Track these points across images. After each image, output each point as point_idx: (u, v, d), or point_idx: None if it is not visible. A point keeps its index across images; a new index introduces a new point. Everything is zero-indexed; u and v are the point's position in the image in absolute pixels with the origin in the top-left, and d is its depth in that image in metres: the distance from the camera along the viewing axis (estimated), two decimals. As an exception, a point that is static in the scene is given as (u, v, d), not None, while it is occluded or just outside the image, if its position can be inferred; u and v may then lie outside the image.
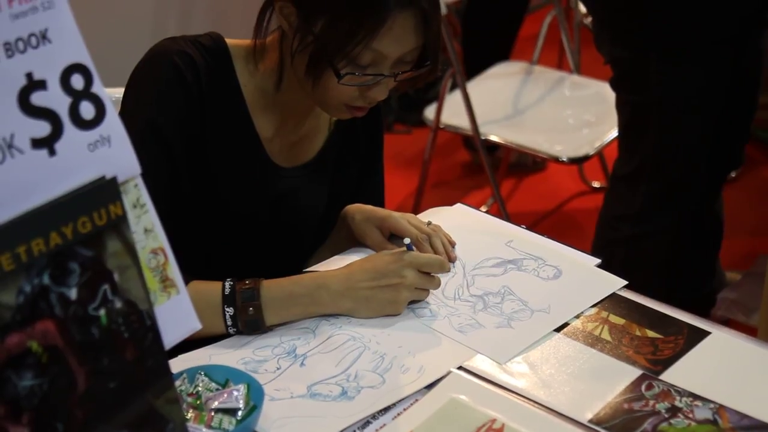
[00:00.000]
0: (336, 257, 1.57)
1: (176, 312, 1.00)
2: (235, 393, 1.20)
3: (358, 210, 1.59)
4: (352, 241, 1.60)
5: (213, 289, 1.37)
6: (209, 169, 1.49)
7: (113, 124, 0.93)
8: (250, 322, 1.37)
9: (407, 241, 1.44)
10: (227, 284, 1.38)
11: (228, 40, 1.51)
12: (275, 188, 1.55)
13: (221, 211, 1.52)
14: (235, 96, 1.50)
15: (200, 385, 1.22)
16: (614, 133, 2.88)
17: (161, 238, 0.98)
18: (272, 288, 1.38)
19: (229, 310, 1.36)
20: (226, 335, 1.38)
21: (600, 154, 3.23)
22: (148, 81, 1.45)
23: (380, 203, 1.71)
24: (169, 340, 0.98)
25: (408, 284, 1.39)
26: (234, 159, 1.51)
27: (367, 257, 1.44)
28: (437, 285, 1.44)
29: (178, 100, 1.43)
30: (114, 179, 0.91)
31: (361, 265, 1.41)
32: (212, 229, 1.53)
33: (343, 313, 1.41)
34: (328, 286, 1.39)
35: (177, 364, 1.21)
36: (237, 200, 1.52)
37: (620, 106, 2.33)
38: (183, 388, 1.21)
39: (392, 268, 1.39)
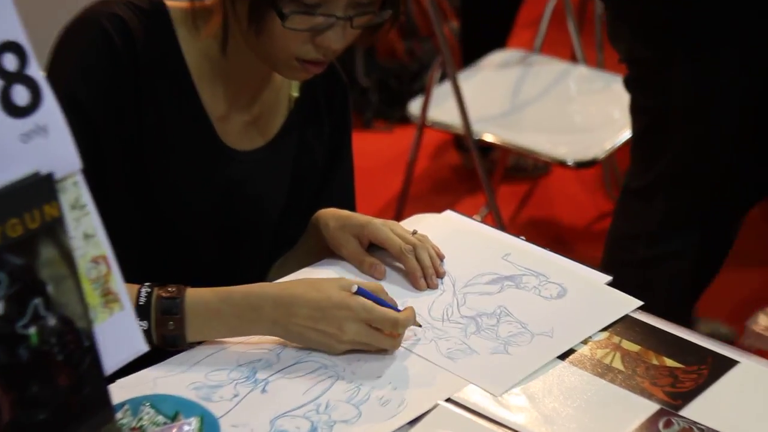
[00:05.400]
0: (305, 270, 1.57)
1: (119, 331, 1.00)
2: (186, 428, 1.20)
3: (332, 216, 1.59)
4: (324, 250, 1.60)
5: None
6: (147, 151, 1.48)
7: (51, 112, 0.93)
8: (169, 338, 1.36)
9: (354, 288, 1.38)
10: (143, 291, 1.36)
11: (169, 3, 1.51)
12: (227, 175, 1.55)
13: (162, 202, 1.51)
14: (178, 65, 1.50)
15: (145, 418, 1.21)
16: (628, 133, 2.91)
17: (104, 245, 0.98)
18: (197, 300, 1.37)
19: (143, 324, 1.35)
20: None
21: (611, 157, 3.25)
22: (70, 49, 1.45)
23: (349, 199, 1.72)
24: (111, 364, 0.98)
25: (345, 340, 1.36)
26: (177, 139, 1.50)
27: (317, 283, 1.40)
28: (392, 346, 1.39)
29: (105, 70, 1.43)
30: (50, 175, 0.91)
31: (306, 293, 1.37)
32: (150, 226, 1.52)
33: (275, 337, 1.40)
34: (261, 308, 1.37)
35: (116, 392, 1.19)
36: (181, 189, 1.52)
37: (636, 110, 2.33)
38: (125, 421, 1.20)
39: (336, 314, 1.36)
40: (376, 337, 1.38)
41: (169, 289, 1.38)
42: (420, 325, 1.43)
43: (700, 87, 2.19)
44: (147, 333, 1.36)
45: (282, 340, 1.40)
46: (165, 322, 1.36)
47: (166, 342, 1.37)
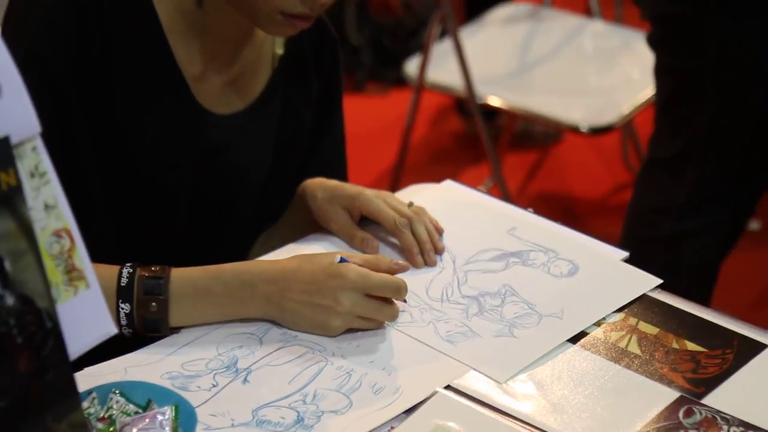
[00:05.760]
0: (290, 246, 1.58)
1: (85, 311, 1.01)
2: (159, 418, 1.20)
3: (320, 186, 1.60)
4: (311, 224, 1.61)
5: (107, 275, 1.38)
6: (117, 115, 1.48)
7: (5, 70, 0.93)
8: (149, 321, 1.38)
9: (337, 258, 1.41)
10: (125, 271, 1.38)
11: None
12: (204, 140, 1.56)
13: (133, 171, 1.52)
14: (149, 19, 1.49)
15: (114, 407, 1.22)
16: (648, 95, 2.91)
17: (66, 217, 0.99)
18: (183, 280, 1.39)
19: (125, 307, 1.37)
20: (125, 338, 1.38)
21: (630, 123, 3.25)
22: (30, 2, 1.45)
23: (340, 168, 1.73)
24: (76, 347, 0.99)
25: (342, 311, 1.38)
26: (149, 101, 1.50)
27: (313, 257, 1.44)
28: (391, 316, 1.42)
29: (69, 25, 1.43)
30: (6, 140, 0.91)
31: (301, 268, 1.40)
32: (121, 198, 1.53)
33: (268, 319, 1.42)
34: (254, 286, 1.40)
35: (84, 380, 1.21)
36: (153, 156, 1.52)
37: (663, 71, 2.33)
38: (92, 410, 1.21)
39: (330, 284, 1.38)
40: (375, 307, 1.39)
41: (153, 268, 1.39)
42: (405, 300, 1.44)
43: (737, 43, 2.19)
44: (129, 317, 1.37)
45: (265, 324, 1.41)
46: (147, 304, 1.37)
47: (146, 326, 1.38)
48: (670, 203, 2.36)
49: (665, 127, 2.37)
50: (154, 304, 1.38)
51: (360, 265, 1.41)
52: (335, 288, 1.38)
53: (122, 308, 1.37)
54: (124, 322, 1.38)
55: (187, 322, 1.41)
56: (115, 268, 1.39)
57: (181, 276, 1.39)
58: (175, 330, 1.40)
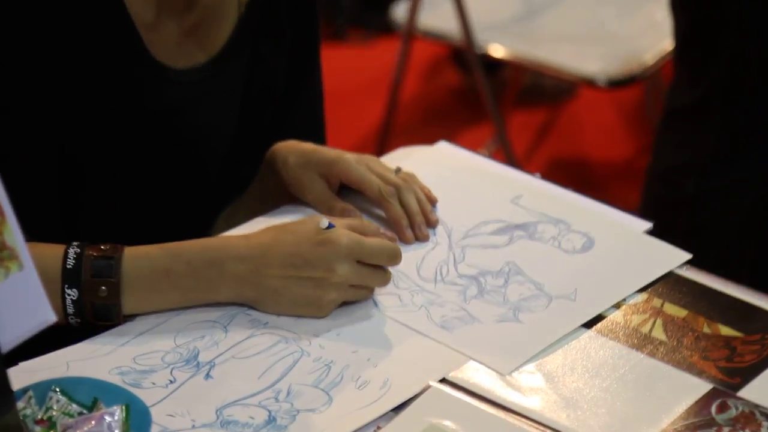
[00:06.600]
0: (259, 220, 1.58)
1: (19, 296, 1.01)
2: (108, 419, 1.20)
3: (293, 150, 1.60)
4: (282, 195, 1.61)
5: (50, 256, 1.38)
6: (59, 72, 1.48)
7: None
8: (100, 308, 1.38)
9: (325, 223, 1.42)
10: (72, 252, 1.38)
11: None
12: (159, 99, 1.55)
13: (80, 136, 1.51)
14: None
15: (55, 407, 1.22)
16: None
17: (-6, 188, 0.99)
18: (138, 260, 1.39)
19: (72, 293, 1.37)
20: (71, 328, 1.38)
21: (657, 74, 3.25)
22: None
23: (317, 129, 1.73)
24: (8, 338, 0.99)
25: (338, 281, 1.40)
26: (95, 55, 1.50)
27: (290, 226, 1.45)
28: (385, 281, 1.44)
29: None
30: None
31: (279, 240, 1.41)
32: (65, 166, 1.52)
33: (243, 303, 1.42)
34: (223, 264, 1.40)
35: (19, 376, 1.20)
36: (100, 118, 1.52)
37: (680, 3, 2.34)
38: (28, 411, 1.21)
39: (321, 254, 1.39)
40: (368, 273, 1.42)
41: (103, 247, 1.39)
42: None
43: None
44: (77, 304, 1.38)
45: (231, 309, 1.42)
46: (95, 288, 1.38)
47: (96, 314, 1.39)
48: (692, 159, 2.36)
49: (685, 70, 2.37)
50: (104, 287, 1.38)
51: None
52: (328, 256, 1.39)
53: (69, 294, 1.37)
54: (71, 310, 1.38)
55: (146, 308, 1.41)
56: (60, 248, 1.39)
57: (135, 255, 1.40)
58: (130, 318, 1.40)
